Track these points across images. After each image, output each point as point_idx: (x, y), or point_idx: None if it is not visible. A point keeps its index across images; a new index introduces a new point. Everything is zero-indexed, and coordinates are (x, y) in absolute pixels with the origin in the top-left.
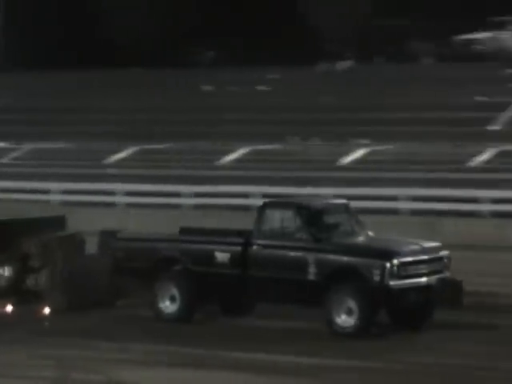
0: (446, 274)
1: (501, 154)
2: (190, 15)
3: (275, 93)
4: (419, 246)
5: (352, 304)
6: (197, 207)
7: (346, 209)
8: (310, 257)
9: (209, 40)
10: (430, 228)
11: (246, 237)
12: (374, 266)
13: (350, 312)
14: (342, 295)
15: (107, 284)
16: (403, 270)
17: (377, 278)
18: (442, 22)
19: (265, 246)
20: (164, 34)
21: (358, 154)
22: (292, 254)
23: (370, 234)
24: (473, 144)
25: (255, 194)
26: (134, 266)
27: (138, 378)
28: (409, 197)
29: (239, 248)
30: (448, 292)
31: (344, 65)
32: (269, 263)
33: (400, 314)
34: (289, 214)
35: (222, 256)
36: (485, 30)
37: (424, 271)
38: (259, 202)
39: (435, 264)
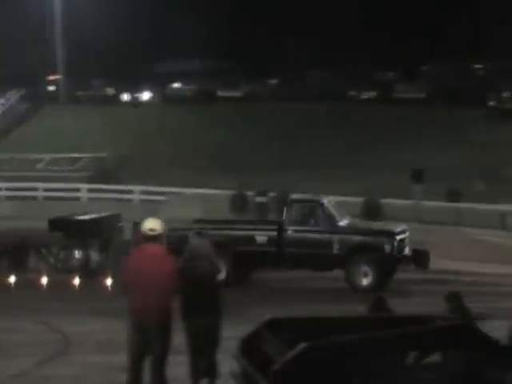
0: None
1: None
2: None
3: None
4: (402, 227)
5: (367, 269)
6: None
7: (335, 203)
8: (334, 237)
9: None
10: None
11: (278, 225)
12: (385, 242)
13: (365, 275)
14: (361, 263)
15: None
16: (401, 245)
17: (388, 251)
18: None
19: (296, 231)
20: None
21: None
22: (318, 235)
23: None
24: None
25: None
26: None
27: None
28: None
29: (275, 233)
30: (420, 258)
31: None
32: (300, 243)
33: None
34: (312, 207)
35: (261, 238)
36: None
37: (405, 245)
38: None
39: (407, 240)
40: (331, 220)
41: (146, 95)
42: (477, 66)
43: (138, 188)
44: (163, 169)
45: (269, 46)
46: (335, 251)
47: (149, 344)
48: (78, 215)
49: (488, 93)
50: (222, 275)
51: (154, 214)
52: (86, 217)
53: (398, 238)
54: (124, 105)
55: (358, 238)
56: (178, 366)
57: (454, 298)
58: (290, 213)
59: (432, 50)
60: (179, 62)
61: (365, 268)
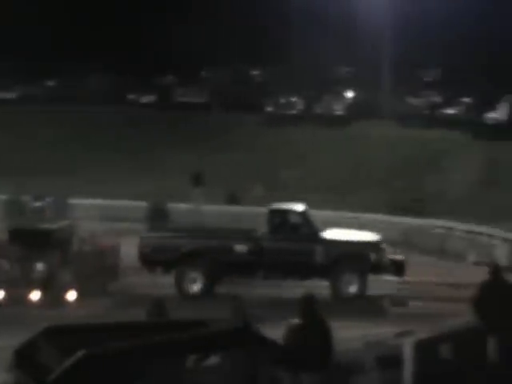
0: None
1: None
2: None
3: None
4: (379, 237)
5: (353, 278)
6: None
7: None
8: (317, 246)
9: None
10: None
11: (258, 234)
12: (372, 251)
13: (350, 282)
14: (348, 271)
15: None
16: (383, 254)
17: (373, 258)
18: None
19: (276, 240)
20: None
21: None
22: (299, 244)
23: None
24: None
25: None
26: (162, 258)
27: None
28: None
29: (255, 242)
30: (397, 267)
31: None
32: (280, 251)
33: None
34: (293, 216)
35: (240, 248)
36: None
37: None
38: None
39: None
40: (313, 229)
41: None
42: (255, 72)
43: None
44: None
45: (47, 45)
46: (319, 260)
47: None
48: (39, 224)
49: (265, 98)
50: None
51: None
52: (49, 226)
53: (381, 247)
54: None
55: (343, 248)
56: None
57: (237, 301)
58: (270, 221)
59: (212, 56)
60: None
61: (350, 277)
